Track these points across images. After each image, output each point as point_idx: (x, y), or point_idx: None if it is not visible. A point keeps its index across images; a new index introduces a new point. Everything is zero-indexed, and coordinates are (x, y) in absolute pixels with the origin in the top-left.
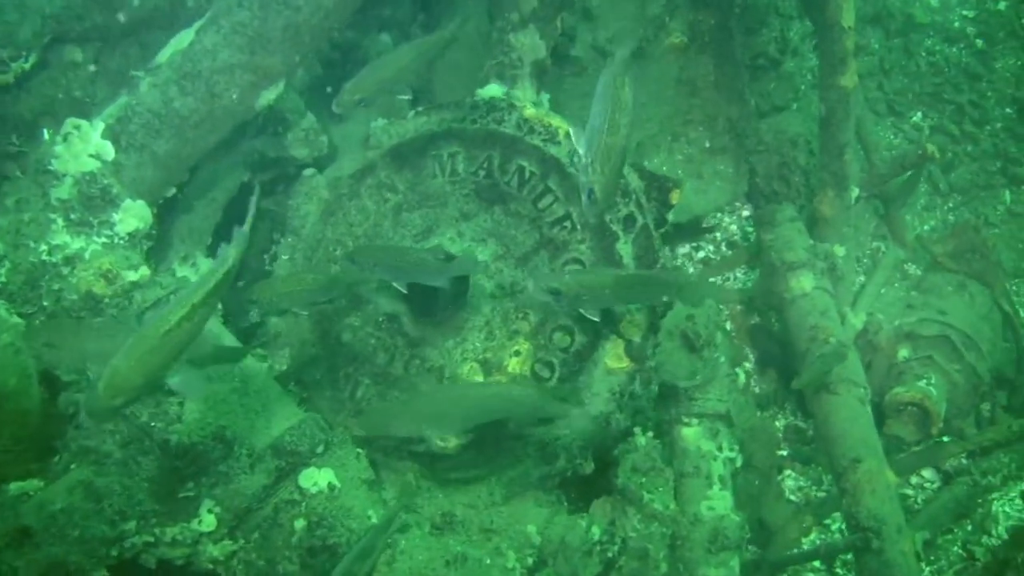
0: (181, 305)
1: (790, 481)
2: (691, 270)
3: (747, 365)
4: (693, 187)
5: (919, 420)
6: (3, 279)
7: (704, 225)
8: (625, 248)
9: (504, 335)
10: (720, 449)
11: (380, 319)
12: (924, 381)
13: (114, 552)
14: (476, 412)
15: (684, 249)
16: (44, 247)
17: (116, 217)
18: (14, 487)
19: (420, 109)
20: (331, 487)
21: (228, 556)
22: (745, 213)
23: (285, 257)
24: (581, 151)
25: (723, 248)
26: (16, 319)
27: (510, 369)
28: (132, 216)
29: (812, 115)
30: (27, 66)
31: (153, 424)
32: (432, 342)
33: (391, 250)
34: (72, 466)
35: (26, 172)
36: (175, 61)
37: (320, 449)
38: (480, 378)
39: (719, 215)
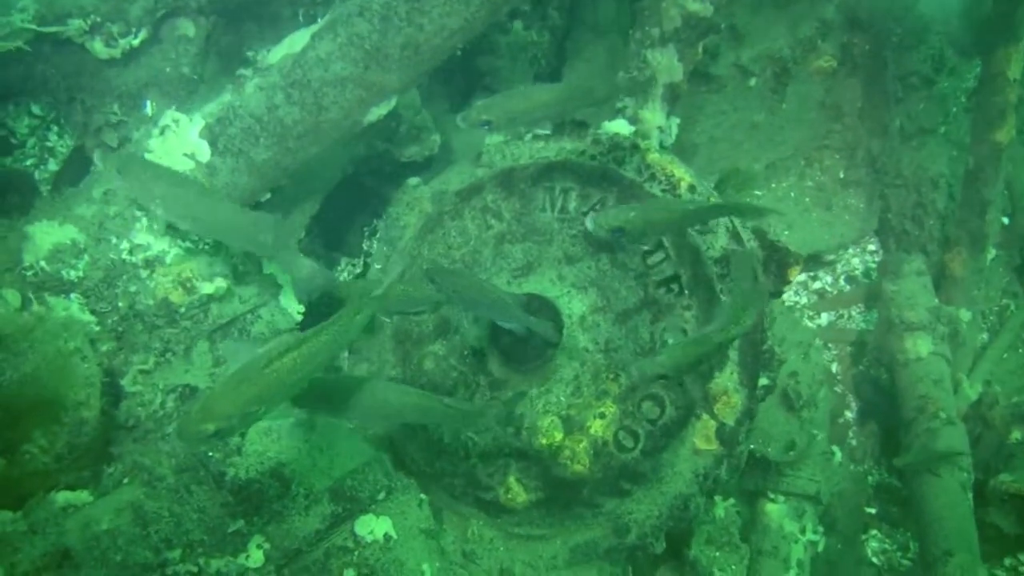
0: (290, 342)
1: (874, 543)
2: (804, 301)
3: (848, 414)
4: (819, 219)
5: (1022, 513)
6: (81, 273)
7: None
8: None
9: (591, 394)
10: (803, 531)
11: (465, 352)
12: None
13: None
14: (395, 415)
15: (800, 277)
16: (126, 245)
17: None
18: (61, 498)
19: (539, 133)
20: (387, 538)
21: None
22: (871, 248)
23: (378, 266)
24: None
25: (841, 282)
26: (89, 316)
27: (592, 431)
28: None
29: (960, 144)
30: (135, 42)
31: (211, 454)
32: (515, 387)
33: (475, 282)
34: (124, 481)
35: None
36: (285, 66)
37: (381, 495)
38: (559, 435)
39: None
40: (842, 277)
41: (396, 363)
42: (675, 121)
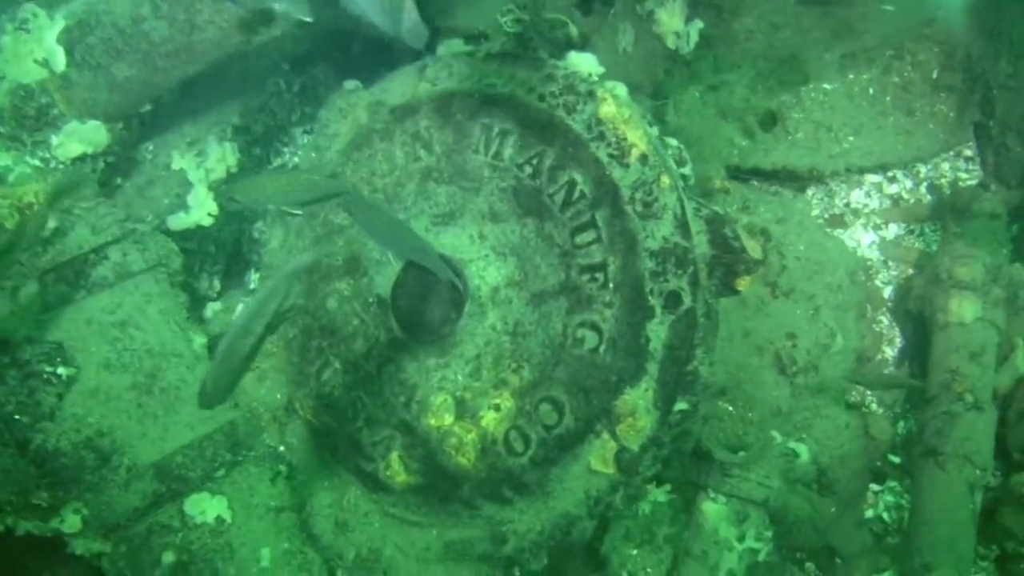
0: None
1: (890, 496)
2: (874, 206)
3: (888, 351)
4: (896, 124)
5: None
6: None
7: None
8: (657, 331)
9: (490, 380)
10: (741, 539)
11: (370, 299)
12: None
13: None
14: None
15: (875, 177)
16: None
17: (54, 140)
18: None
19: (493, 49)
20: (219, 520)
21: (96, 555)
22: (968, 153)
23: None
24: None
25: (922, 190)
26: None
27: (484, 423)
28: (76, 140)
29: None
30: None
31: (17, 416)
32: (414, 353)
33: (393, 222)
34: None
35: None
36: None
37: (220, 472)
38: (450, 418)
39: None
40: (925, 183)
41: (301, 292)
42: (696, 27)
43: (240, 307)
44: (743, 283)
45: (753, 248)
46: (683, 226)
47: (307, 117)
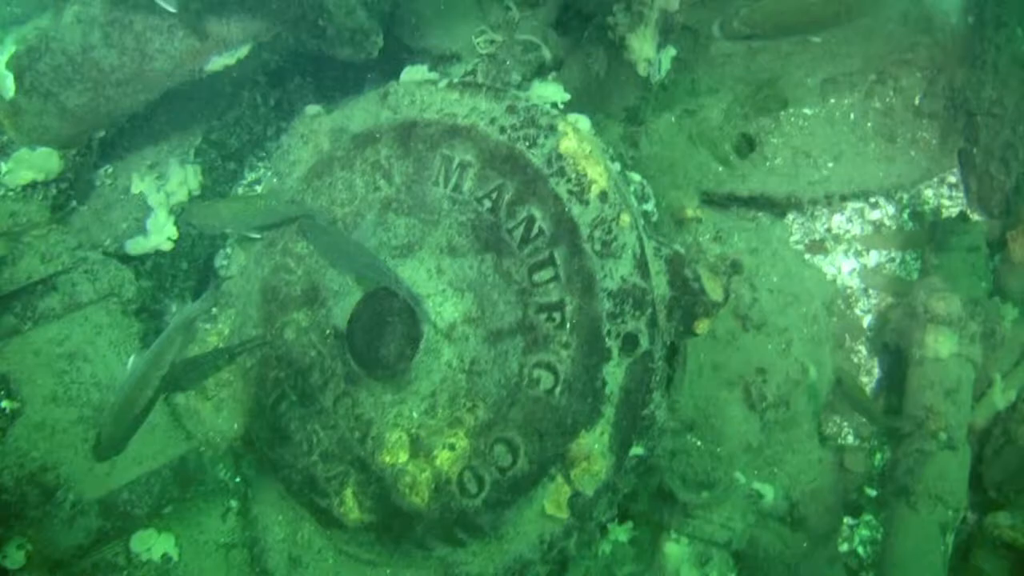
0: None
1: (865, 530)
2: (858, 232)
3: (866, 380)
4: (877, 152)
5: (1017, 564)
6: None
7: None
8: (614, 373)
9: (445, 418)
10: None
11: (328, 331)
12: None
13: None
14: None
15: (857, 203)
16: None
17: (3, 167)
18: None
19: (457, 80)
20: (165, 559)
21: None
22: (952, 180)
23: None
24: None
25: (904, 217)
26: None
27: (438, 462)
28: (26, 167)
29: None
30: None
31: None
32: (370, 388)
33: (349, 245)
34: None
35: None
36: None
37: (168, 509)
38: (404, 455)
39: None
40: (907, 211)
41: (259, 322)
42: (668, 54)
43: (132, 358)
44: (702, 326)
45: (714, 289)
46: (642, 266)
47: (283, 132)
